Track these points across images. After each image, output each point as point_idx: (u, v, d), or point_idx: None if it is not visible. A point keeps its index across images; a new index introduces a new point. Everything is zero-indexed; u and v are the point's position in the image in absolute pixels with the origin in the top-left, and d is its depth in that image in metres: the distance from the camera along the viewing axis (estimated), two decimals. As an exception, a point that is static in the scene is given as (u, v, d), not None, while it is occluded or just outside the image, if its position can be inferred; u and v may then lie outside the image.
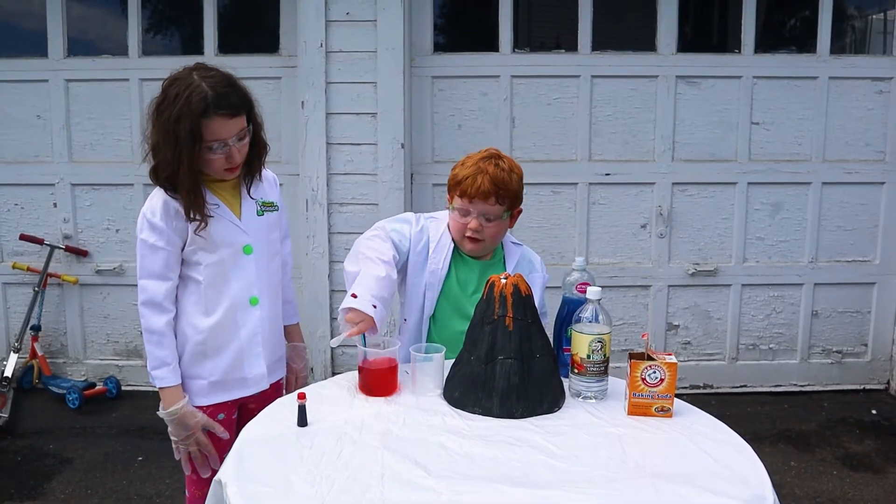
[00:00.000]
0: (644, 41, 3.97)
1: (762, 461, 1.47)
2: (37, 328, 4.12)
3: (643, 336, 1.71)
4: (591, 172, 4.03)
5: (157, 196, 1.85)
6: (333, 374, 3.86)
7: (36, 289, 4.07)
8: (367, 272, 1.88)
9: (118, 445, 3.53)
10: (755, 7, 3.93)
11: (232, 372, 1.96)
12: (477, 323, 1.75)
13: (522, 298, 1.72)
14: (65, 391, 3.97)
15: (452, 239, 2.08)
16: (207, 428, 1.92)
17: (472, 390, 1.70)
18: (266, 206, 2.00)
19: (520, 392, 1.67)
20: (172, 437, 1.92)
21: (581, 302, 1.82)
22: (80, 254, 4.16)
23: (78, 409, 3.92)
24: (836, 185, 4.08)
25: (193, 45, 4.06)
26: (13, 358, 3.98)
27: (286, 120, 3.97)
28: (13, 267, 4.13)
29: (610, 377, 1.79)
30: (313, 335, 3.98)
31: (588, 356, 1.73)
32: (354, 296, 1.82)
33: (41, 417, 3.86)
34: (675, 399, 1.70)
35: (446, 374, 1.79)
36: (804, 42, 4.05)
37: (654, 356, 1.69)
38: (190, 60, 4.01)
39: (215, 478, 1.42)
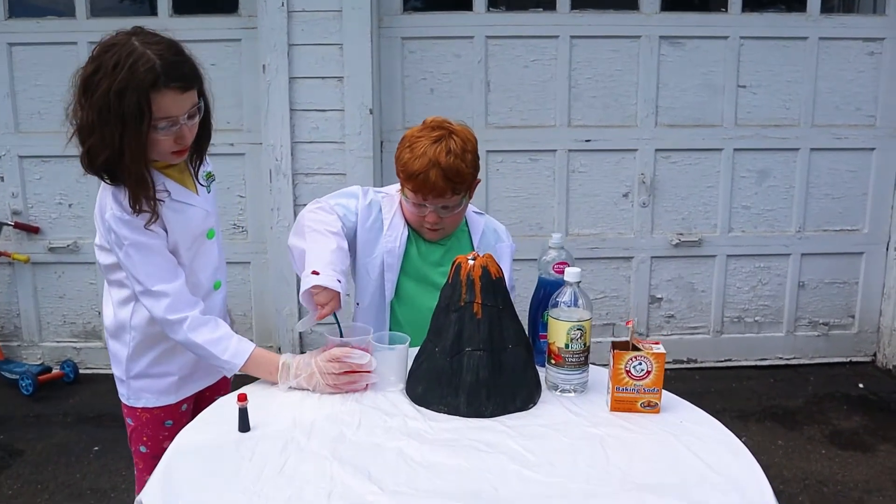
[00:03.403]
0: (626, -1, 3.76)
1: (749, 439, 1.31)
2: (-13, 310, 3.90)
3: (627, 323, 1.53)
4: (570, 139, 3.83)
5: (109, 190, 1.57)
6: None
7: (-16, 268, 3.84)
8: (318, 247, 1.71)
9: (73, 435, 3.33)
10: (743, -37, 3.72)
11: (200, 362, 1.74)
12: (442, 309, 1.56)
13: (492, 282, 1.54)
14: (18, 377, 3.76)
15: (407, 221, 1.90)
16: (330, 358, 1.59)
17: (436, 386, 1.52)
18: (209, 178, 1.79)
19: (490, 388, 1.49)
20: (318, 388, 1.58)
21: (559, 284, 1.64)
22: (31, 230, 3.91)
23: (32, 395, 3.70)
24: (825, 152, 3.91)
25: (146, 5, 3.79)
26: (-37, 341, 3.76)
27: (247, 85, 3.73)
28: (-41, 245, 3.89)
29: (590, 366, 1.62)
30: (280, 313, 3.79)
31: (566, 345, 1.55)
32: (316, 273, 1.64)
33: (-8, 404, 3.66)
34: (663, 392, 1.53)
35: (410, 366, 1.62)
36: (793, 0, 3.85)
37: (640, 345, 1.52)
38: (144, 22, 3.73)
39: (137, 498, 1.23)
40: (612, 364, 1.51)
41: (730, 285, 4.06)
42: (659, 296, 4.04)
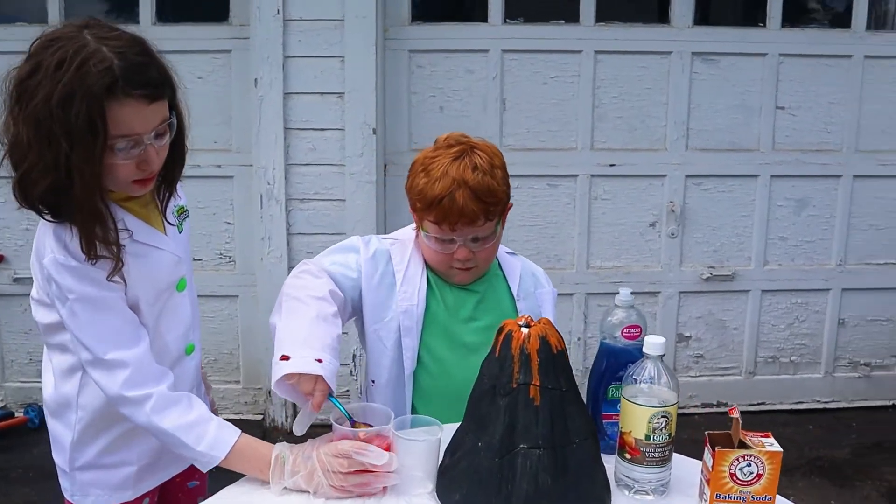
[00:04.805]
0: (656, 12, 3.43)
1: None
2: (-55, 346, 3.51)
3: (730, 412, 1.18)
4: (593, 163, 3.49)
5: (50, 228, 1.22)
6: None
7: (-58, 300, 3.45)
8: (291, 321, 1.34)
9: (34, 494, 2.93)
10: (783, -26, 3.42)
11: (164, 447, 1.36)
12: (486, 392, 1.20)
13: (553, 357, 1.18)
14: (-25, 423, 3.37)
15: (426, 265, 1.54)
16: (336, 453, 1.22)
17: (480, 493, 1.16)
18: (182, 214, 1.43)
19: (553, 497, 1.13)
20: (320, 491, 1.22)
21: (628, 353, 1.30)
22: (-5, 259, 3.55)
23: (-10, 444, 3.32)
24: (869, 179, 3.57)
25: (127, 11, 3.44)
26: (-83, 381, 3.37)
27: (237, 101, 3.37)
28: (-85, 274, 3.51)
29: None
30: (270, 353, 3.41)
31: (647, 437, 1.20)
32: (286, 357, 1.27)
33: (-54, 455, 3.27)
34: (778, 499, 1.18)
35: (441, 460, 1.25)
36: (838, 15, 3.54)
37: (748, 440, 1.17)
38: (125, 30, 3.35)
39: None
40: (711, 464, 1.16)
41: (764, 323, 3.72)
42: (687, 334, 3.70)
